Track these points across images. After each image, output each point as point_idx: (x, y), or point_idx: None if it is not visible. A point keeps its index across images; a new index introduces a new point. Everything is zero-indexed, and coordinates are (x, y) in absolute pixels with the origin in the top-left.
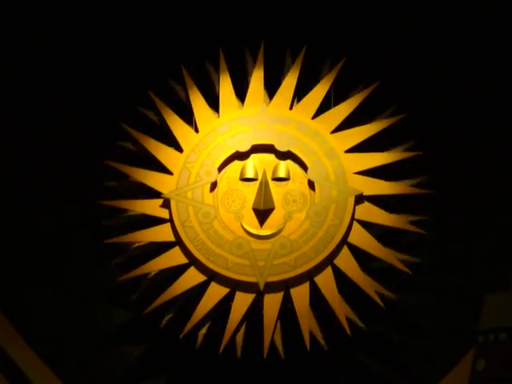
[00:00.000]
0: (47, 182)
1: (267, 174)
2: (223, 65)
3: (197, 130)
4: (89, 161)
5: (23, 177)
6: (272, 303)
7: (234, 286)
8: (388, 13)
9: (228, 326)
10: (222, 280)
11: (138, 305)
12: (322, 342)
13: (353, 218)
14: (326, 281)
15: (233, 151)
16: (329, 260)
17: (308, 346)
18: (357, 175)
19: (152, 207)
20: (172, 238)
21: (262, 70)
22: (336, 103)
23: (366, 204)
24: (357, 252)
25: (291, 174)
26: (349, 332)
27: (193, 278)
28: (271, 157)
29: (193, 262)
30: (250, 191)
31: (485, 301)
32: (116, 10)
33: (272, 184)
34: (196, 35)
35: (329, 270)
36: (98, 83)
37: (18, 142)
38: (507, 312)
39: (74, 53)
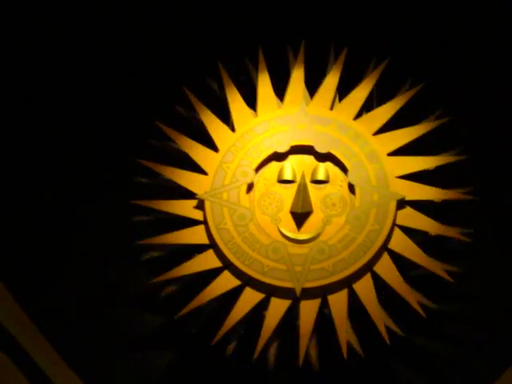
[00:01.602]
0: (81, 181)
1: (306, 177)
2: (262, 63)
3: (233, 130)
4: (123, 159)
5: (58, 175)
6: (309, 310)
7: (270, 291)
8: (435, 12)
9: (262, 333)
10: (257, 285)
11: (170, 309)
12: (359, 351)
13: (394, 224)
14: (365, 288)
15: (271, 152)
16: (368, 267)
17: (345, 356)
18: (399, 179)
19: (186, 208)
20: (206, 241)
21: (303, 68)
22: (379, 104)
23: (408, 209)
24: (398, 259)
25: (331, 177)
26: (388, 341)
27: (227, 282)
28: (310, 158)
29: (227, 265)
30: (288, 194)
31: None
32: (154, 5)
33: (311, 187)
34: (235, 32)
35: (368, 277)
36: (133, 80)
37: (54, 140)
38: None
39: (109, 48)
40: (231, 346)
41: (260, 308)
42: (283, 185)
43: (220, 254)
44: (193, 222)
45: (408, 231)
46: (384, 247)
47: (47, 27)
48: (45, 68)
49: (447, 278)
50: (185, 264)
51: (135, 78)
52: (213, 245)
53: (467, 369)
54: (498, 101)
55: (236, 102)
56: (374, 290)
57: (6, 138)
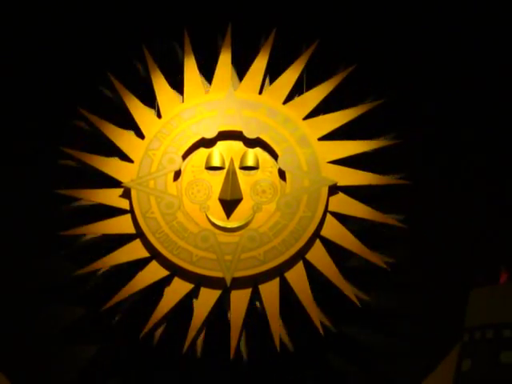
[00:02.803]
0: (3, 168)
1: (235, 163)
2: (188, 47)
3: (160, 115)
4: (44, 147)
5: None
6: (239, 300)
7: (199, 281)
8: None
9: (192, 324)
10: (186, 275)
11: (95, 301)
12: (288, 343)
13: (326, 210)
14: (297, 277)
15: (198, 138)
16: (300, 254)
17: (278, 347)
18: (331, 164)
19: (111, 197)
20: (133, 230)
21: (230, 52)
22: (309, 88)
23: (341, 195)
24: (330, 246)
25: (260, 163)
26: (322, 332)
27: (155, 272)
28: (239, 144)
29: (155, 255)
30: (217, 181)
31: (470, 296)
32: None
33: (240, 173)
34: (159, 14)
35: (300, 266)
36: (58, 64)
37: None
38: (495, 307)
39: (33, 32)
40: (159, 338)
41: (192, 296)
42: (211, 172)
43: (147, 244)
44: (119, 211)
45: (341, 218)
46: (316, 234)
47: None
48: None
49: (382, 265)
50: (111, 254)
51: (59, 62)
52: (140, 234)
53: (405, 358)
54: (430, 85)
55: (162, 87)
56: (306, 279)
57: None
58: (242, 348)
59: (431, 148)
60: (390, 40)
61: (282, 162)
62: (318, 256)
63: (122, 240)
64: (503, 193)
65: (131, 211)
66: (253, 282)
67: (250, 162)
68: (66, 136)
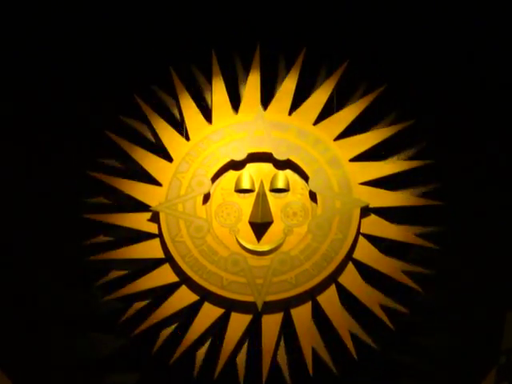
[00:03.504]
0: (33, 195)
1: (265, 185)
2: (216, 68)
3: (188, 138)
4: (73, 173)
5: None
6: (271, 324)
7: (230, 305)
8: (392, 14)
9: (223, 349)
10: (217, 299)
11: (127, 328)
12: (330, 365)
13: (358, 232)
14: (329, 300)
15: (227, 160)
16: (332, 277)
17: (310, 371)
18: (362, 186)
19: (140, 221)
20: (161, 255)
21: (259, 74)
22: (339, 108)
23: (373, 217)
24: (363, 268)
25: (291, 185)
26: (355, 355)
27: (184, 297)
28: (269, 166)
29: (184, 280)
30: (247, 203)
31: (507, 318)
32: (101, 14)
33: (270, 196)
34: (186, 38)
35: (333, 289)
36: (83, 89)
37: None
38: None
39: (59, 56)
40: (194, 363)
41: (224, 321)
42: (241, 194)
43: (177, 268)
44: (147, 236)
45: (373, 239)
46: (348, 257)
47: None
48: None
49: (415, 287)
50: (140, 279)
51: (88, 86)
52: (169, 258)
53: (441, 381)
54: (458, 102)
55: (190, 109)
56: (339, 302)
57: None
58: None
59: (466, 168)
60: (422, 60)
61: (313, 184)
62: (351, 279)
63: (150, 265)
64: None
65: (160, 235)
66: (284, 305)
67: (280, 184)
68: (93, 161)
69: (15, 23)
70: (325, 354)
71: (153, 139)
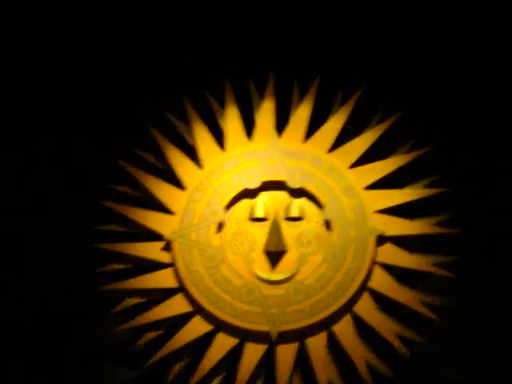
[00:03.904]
0: (45, 223)
1: (279, 214)
2: (229, 95)
3: (201, 166)
4: (84, 202)
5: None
6: (286, 355)
7: (244, 335)
8: (407, 41)
9: (237, 381)
10: (231, 329)
11: (140, 359)
12: None
13: (373, 261)
14: (345, 330)
15: (241, 189)
16: (348, 307)
17: None
18: (378, 214)
19: (153, 250)
20: (175, 284)
21: (273, 101)
22: (354, 136)
23: (388, 245)
24: (379, 297)
25: (305, 213)
26: None
27: (198, 327)
28: (283, 194)
29: (198, 310)
30: (261, 232)
31: None
32: (110, 39)
33: (284, 224)
34: (199, 65)
35: (348, 318)
36: (93, 118)
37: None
38: None
39: (68, 85)
40: None
41: (238, 352)
42: (255, 223)
43: (190, 298)
44: (161, 265)
45: (389, 268)
46: (364, 286)
47: None
48: None
49: (432, 316)
50: (153, 309)
51: (100, 116)
52: (182, 288)
53: None
54: (473, 128)
55: (203, 138)
56: (354, 332)
57: None
58: None
59: (481, 195)
60: (437, 87)
61: (328, 212)
62: (367, 308)
63: (164, 295)
64: None
65: (173, 264)
66: (299, 335)
67: (294, 213)
68: (106, 191)
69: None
70: None
71: (165, 168)
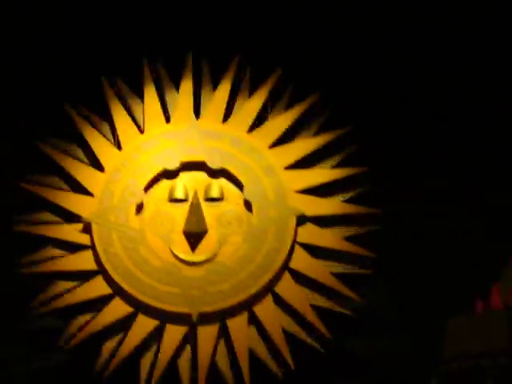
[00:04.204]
0: None
1: (199, 194)
2: (148, 77)
3: (120, 147)
4: (3, 186)
5: None
6: (207, 337)
7: (165, 317)
8: (324, 17)
9: (158, 363)
10: (151, 311)
11: (59, 343)
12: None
13: (294, 241)
14: (266, 311)
15: (160, 169)
16: (269, 288)
17: (246, 378)
18: (298, 194)
19: (72, 233)
20: (94, 267)
21: (191, 81)
22: (273, 116)
23: (309, 225)
24: (300, 277)
25: (225, 194)
26: (292, 366)
27: (118, 309)
28: (203, 175)
29: (118, 291)
30: (180, 213)
31: (448, 325)
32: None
33: (204, 205)
34: (116, 49)
35: (269, 299)
36: (15, 95)
37: None
38: (473, 337)
39: None
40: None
41: (158, 334)
42: (175, 204)
43: (110, 280)
44: (80, 247)
45: (311, 249)
46: (285, 266)
47: None
48: None
49: (354, 297)
50: (71, 292)
51: (15, 93)
52: (101, 270)
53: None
54: (395, 110)
55: (122, 118)
56: (276, 313)
57: None
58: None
59: (399, 174)
60: (355, 67)
61: (248, 193)
62: (288, 289)
63: (82, 278)
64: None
65: (92, 246)
66: (220, 316)
67: (214, 194)
68: (23, 171)
69: None
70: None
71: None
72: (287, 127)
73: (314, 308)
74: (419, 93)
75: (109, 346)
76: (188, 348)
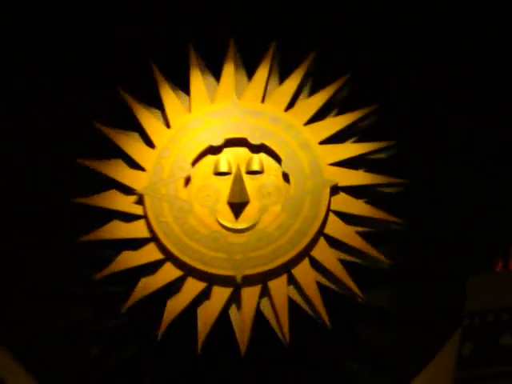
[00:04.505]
0: (20, 184)
1: (241, 168)
2: (194, 61)
3: (169, 126)
4: (61, 160)
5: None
6: (250, 297)
7: (211, 280)
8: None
9: (203, 323)
10: (199, 274)
11: (116, 304)
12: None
13: (328, 209)
14: (303, 273)
15: (206, 146)
16: (306, 252)
17: (287, 340)
18: (331, 166)
19: (126, 204)
20: (147, 234)
21: (233, 64)
22: (310, 95)
23: (342, 195)
24: (334, 243)
25: (265, 167)
26: (328, 324)
27: (169, 273)
28: (244, 150)
29: (169, 257)
30: (225, 185)
31: (469, 283)
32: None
33: (246, 177)
34: (166, 30)
35: (306, 262)
36: (68, 77)
37: None
38: (493, 294)
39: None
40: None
41: (206, 295)
42: (219, 177)
43: (161, 247)
44: (133, 217)
45: (343, 216)
46: (320, 232)
47: None
48: None
49: (383, 259)
50: (127, 257)
51: (73, 76)
52: (154, 238)
53: (408, 344)
54: (427, 94)
55: (170, 99)
56: (312, 274)
57: None
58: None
59: (425, 146)
60: (385, 51)
61: (286, 166)
62: (323, 252)
63: (137, 245)
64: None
65: (145, 216)
66: (262, 279)
67: (255, 167)
68: (81, 148)
69: None
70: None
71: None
72: (320, 106)
73: (347, 268)
74: (445, 71)
75: (161, 306)
76: (233, 306)
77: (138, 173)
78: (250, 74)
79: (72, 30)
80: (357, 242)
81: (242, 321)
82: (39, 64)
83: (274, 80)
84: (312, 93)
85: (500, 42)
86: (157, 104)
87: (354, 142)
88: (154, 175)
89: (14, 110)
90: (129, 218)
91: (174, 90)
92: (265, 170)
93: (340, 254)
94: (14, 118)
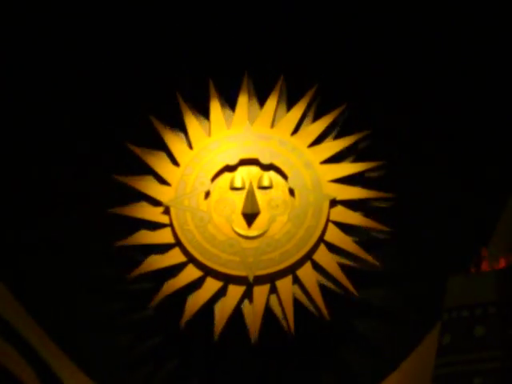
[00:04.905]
0: (56, 199)
1: (253, 184)
2: (213, 92)
3: (191, 147)
4: (99, 176)
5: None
6: (260, 294)
7: (227, 280)
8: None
9: (220, 317)
10: (217, 275)
11: (146, 299)
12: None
13: (328, 220)
14: (306, 274)
15: (223, 165)
16: (308, 256)
17: (293, 332)
18: (331, 183)
19: (154, 214)
20: (172, 240)
21: (247, 96)
22: (313, 122)
23: (339, 207)
24: (333, 249)
25: (274, 183)
26: (327, 317)
27: (191, 274)
28: (256, 169)
29: (190, 260)
30: (239, 198)
31: (448, 283)
32: (116, 37)
33: (258, 192)
34: (189, 66)
35: (309, 265)
36: (103, 105)
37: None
38: (468, 292)
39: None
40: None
41: (222, 292)
42: (235, 191)
43: (184, 251)
44: (161, 225)
45: (341, 226)
46: (321, 239)
47: None
48: None
49: (375, 262)
50: (155, 259)
51: (110, 105)
52: (178, 243)
53: (394, 336)
54: (413, 122)
55: (192, 125)
56: (314, 275)
57: None
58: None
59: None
60: (377, 84)
61: (292, 182)
62: (323, 257)
63: (163, 249)
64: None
65: (171, 225)
66: (270, 279)
67: (265, 183)
68: (116, 166)
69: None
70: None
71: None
72: (321, 132)
73: (343, 270)
74: (428, 96)
75: (184, 302)
76: (246, 302)
77: (165, 187)
78: (261, 104)
79: (113, 67)
80: (353, 248)
81: (253, 314)
82: (83, 94)
83: (282, 108)
84: (315, 119)
85: (489, 65)
86: (181, 128)
87: (351, 162)
88: (178, 189)
89: (61, 137)
90: (156, 226)
91: (196, 116)
92: (273, 185)
93: (338, 258)
94: (61, 144)
